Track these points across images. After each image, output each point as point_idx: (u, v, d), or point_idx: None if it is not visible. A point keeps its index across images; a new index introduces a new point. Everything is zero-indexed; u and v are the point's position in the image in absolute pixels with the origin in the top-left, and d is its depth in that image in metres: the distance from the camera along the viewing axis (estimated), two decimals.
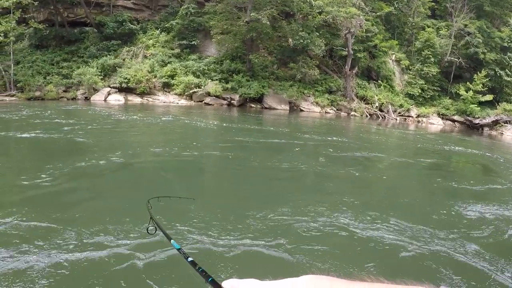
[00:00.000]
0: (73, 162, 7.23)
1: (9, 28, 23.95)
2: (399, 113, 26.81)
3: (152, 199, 1.92)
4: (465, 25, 28.85)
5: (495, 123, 25.53)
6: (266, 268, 3.71)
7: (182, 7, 26.63)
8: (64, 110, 18.02)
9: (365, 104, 26.26)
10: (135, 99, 24.04)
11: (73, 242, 3.87)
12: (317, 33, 25.30)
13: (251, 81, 24.19)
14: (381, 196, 6.94)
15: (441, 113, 27.67)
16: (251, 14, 23.61)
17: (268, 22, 24.18)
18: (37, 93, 24.08)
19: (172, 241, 1.10)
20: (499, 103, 27.20)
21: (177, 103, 23.75)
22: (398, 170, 9.80)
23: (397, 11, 30.07)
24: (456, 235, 4.88)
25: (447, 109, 27.71)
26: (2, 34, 23.79)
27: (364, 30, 26.55)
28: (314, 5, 25.27)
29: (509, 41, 29.27)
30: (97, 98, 23.73)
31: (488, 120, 25.73)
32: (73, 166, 6.93)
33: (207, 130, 14.12)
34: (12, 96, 24.03)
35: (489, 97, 26.89)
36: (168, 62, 24.91)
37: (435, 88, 28.34)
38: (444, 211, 5.92)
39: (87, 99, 23.95)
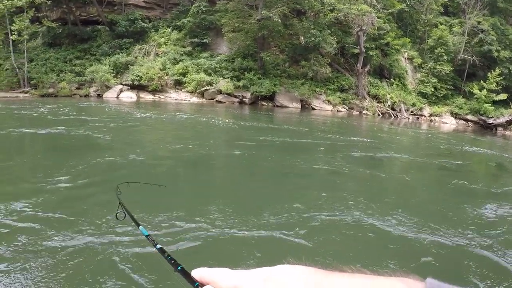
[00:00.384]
0: (92, 158, 7.31)
1: (22, 26, 24.25)
2: (412, 112, 26.53)
3: (121, 184, 1.86)
4: (479, 22, 28.40)
5: (509, 123, 25.11)
6: (264, 257, 3.74)
7: (193, 5, 26.69)
8: (80, 107, 18.19)
9: (377, 102, 26.04)
10: (147, 96, 24.18)
11: (88, 230, 3.96)
12: (329, 31, 25.14)
13: (263, 79, 24.16)
14: (396, 195, 6.87)
15: (454, 112, 27.29)
16: (262, 12, 23.56)
17: (279, 20, 24.10)
18: (51, 90, 24.38)
19: (140, 227, 1.04)
20: None
21: (189, 100, 23.82)
22: (413, 169, 9.67)
23: (409, 8, 29.74)
24: (473, 234, 4.81)
25: (460, 108, 27.33)
26: (16, 33, 24.11)
27: (376, 28, 26.31)
28: (326, 3, 25.11)
29: None
30: (110, 95, 23.92)
31: (502, 119, 25.32)
32: (93, 162, 7.00)
33: (222, 128, 14.12)
34: (26, 92, 24.37)
35: (503, 96, 26.45)
36: (180, 60, 25.01)
37: (448, 86, 27.95)
38: (460, 210, 5.85)
39: (99, 96, 24.17)
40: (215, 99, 23.97)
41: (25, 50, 24.95)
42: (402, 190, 7.31)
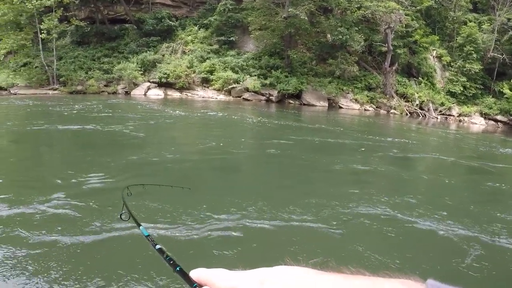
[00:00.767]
0: (126, 155, 7.50)
1: (51, 25, 24.73)
2: (440, 111, 25.96)
3: (131, 186, 1.92)
4: (509, 19, 27.56)
5: None
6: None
7: (220, 3, 26.74)
8: (110, 104, 18.45)
9: (405, 101, 25.59)
10: (174, 94, 24.35)
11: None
12: (356, 29, 24.82)
13: (290, 77, 24.03)
14: (428, 195, 6.74)
15: (483, 112, 26.58)
16: (289, 10, 23.43)
17: (306, 18, 23.92)
18: (79, 87, 24.81)
19: (141, 227, 1.03)
20: None
21: (216, 98, 23.88)
22: (446, 170, 9.48)
23: (438, 5, 29.07)
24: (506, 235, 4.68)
25: (490, 108, 26.57)
26: (45, 31, 24.60)
27: (404, 25, 25.82)
28: (353, 0, 24.82)
29: None
30: (137, 92, 24.19)
31: None
32: (127, 160, 7.16)
33: (253, 126, 14.12)
34: (55, 89, 24.89)
35: None
36: (207, 58, 25.10)
37: (478, 86, 27.22)
38: (491, 211, 5.73)
39: (127, 93, 24.47)
40: (241, 97, 23.96)
41: (54, 48, 25.45)
42: (435, 191, 7.19)
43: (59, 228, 3.90)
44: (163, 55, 25.59)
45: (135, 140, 9.55)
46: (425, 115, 25.36)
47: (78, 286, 2.97)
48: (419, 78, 26.87)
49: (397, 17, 25.20)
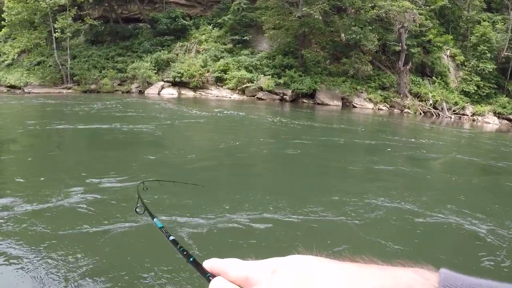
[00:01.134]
0: (143, 153, 7.58)
1: (65, 24, 24.90)
2: (454, 111, 25.83)
3: (146, 181, 1.99)
4: None
5: None
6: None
7: (234, 2, 26.79)
8: (125, 103, 18.54)
9: (419, 101, 25.49)
10: (188, 93, 24.43)
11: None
12: (370, 28, 24.76)
13: (304, 76, 24.03)
14: (446, 192, 6.75)
15: (497, 111, 26.42)
16: (303, 9, 23.42)
17: (320, 17, 23.92)
18: (93, 86, 24.96)
19: (155, 219, 1.05)
20: None
21: (230, 97, 23.94)
22: (464, 169, 9.46)
23: (452, 4, 28.91)
24: None
25: (504, 107, 26.40)
26: (59, 30, 24.78)
27: (418, 25, 25.71)
28: None
29: None
30: (151, 91, 24.28)
31: None
32: (143, 158, 7.24)
33: (268, 125, 14.19)
34: (69, 88, 25.05)
35: None
36: (221, 57, 25.16)
37: (491, 85, 27.04)
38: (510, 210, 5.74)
39: (141, 92, 24.57)
40: (255, 96, 24.00)
41: (68, 47, 25.62)
42: (458, 189, 7.15)
43: (80, 222, 4.03)
44: (177, 54, 25.68)
45: (152, 138, 9.65)
46: (439, 115, 25.24)
47: (99, 271, 3.17)
48: (433, 77, 26.76)
49: (411, 16, 25.10)
